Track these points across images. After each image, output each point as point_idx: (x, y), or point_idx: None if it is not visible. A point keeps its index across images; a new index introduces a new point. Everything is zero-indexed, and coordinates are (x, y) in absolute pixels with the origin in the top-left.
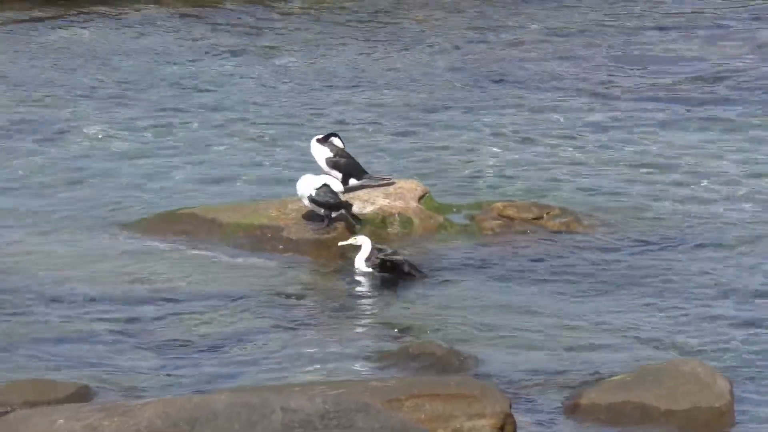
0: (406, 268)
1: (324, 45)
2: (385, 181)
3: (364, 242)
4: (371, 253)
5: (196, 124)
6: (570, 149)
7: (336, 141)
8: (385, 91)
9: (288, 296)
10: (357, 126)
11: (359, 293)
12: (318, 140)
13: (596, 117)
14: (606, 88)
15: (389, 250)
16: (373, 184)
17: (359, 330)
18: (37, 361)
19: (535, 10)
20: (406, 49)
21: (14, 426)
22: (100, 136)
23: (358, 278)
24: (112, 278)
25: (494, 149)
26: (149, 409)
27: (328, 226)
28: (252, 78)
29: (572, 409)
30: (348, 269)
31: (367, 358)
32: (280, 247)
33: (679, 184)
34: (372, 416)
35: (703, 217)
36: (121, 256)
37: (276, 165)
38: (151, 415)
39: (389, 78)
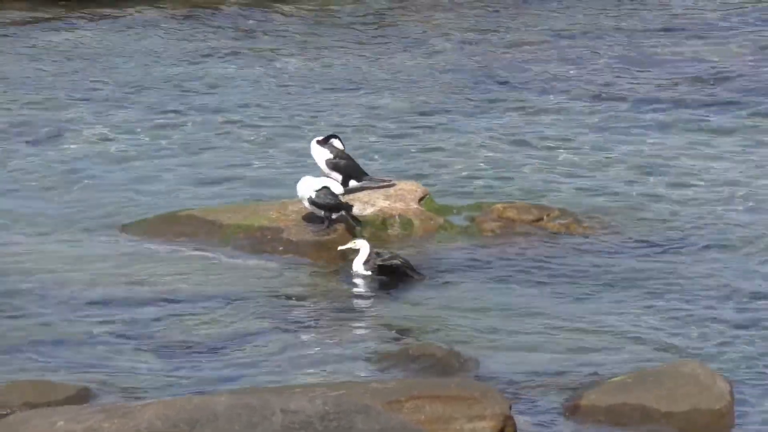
0: (405, 271)
1: (324, 47)
2: (385, 183)
3: (362, 245)
4: (369, 256)
5: (195, 126)
6: (570, 151)
7: (336, 143)
8: (385, 92)
9: (288, 298)
10: (357, 128)
11: (359, 295)
12: (318, 142)
13: (596, 119)
14: (606, 90)
15: (387, 254)
16: (373, 185)
17: (359, 331)
18: (37, 363)
19: (536, 12)
20: (407, 51)
21: (14, 428)
22: (99, 138)
23: (357, 280)
24: (112, 280)
25: (494, 151)
26: (149, 410)
27: (328, 227)
28: (252, 80)
29: (572, 411)
30: (348, 271)
31: (367, 360)
32: (280, 248)
33: (679, 185)
34: (372, 418)
35: (704, 219)
36: (121, 258)
37: (276, 167)
38: (151, 416)
39: (389, 80)
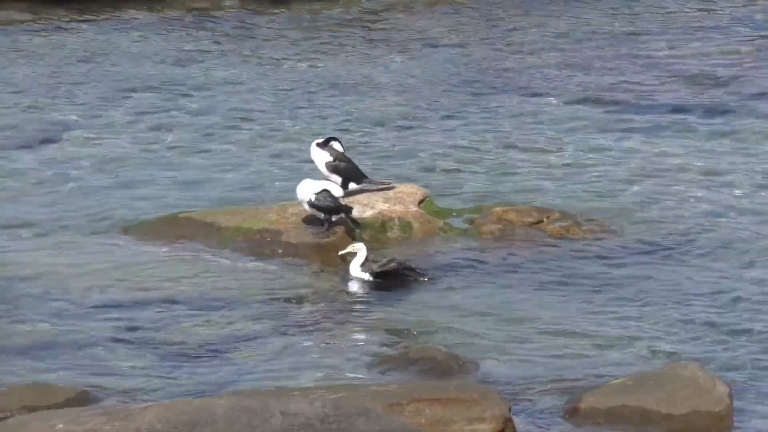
0: (403, 272)
1: (322, 50)
2: (385, 186)
3: (360, 249)
4: (367, 259)
5: (194, 129)
6: (570, 154)
7: (336, 145)
8: (385, 95)
9: (288, 300)
10: (357, 130)
11: (359, 297)
12: (318, 144)
13: (596, 121)
14: (605, 92)
15: (383, 260)
16: (372, 188)
17: (359, 334)
18: (37, 366)
19: (536, 15)
20: (406, 54)
21: (14, 430)
22: (98, 140)
23: (357, 283)
24: (111, 282)
25: (494, 154)
26: (149, 412)
27: (327, 230)
28: (249, 83)
29: (572, 413)
30: (348, 273)
31: (367, 363)
32: (280, 251)
33: (679, 188)
34: (372, 420)
35: (704, 222)
36: (120, 260)
37: (275, 169)
38: (152, 418)
39: (389, 82)
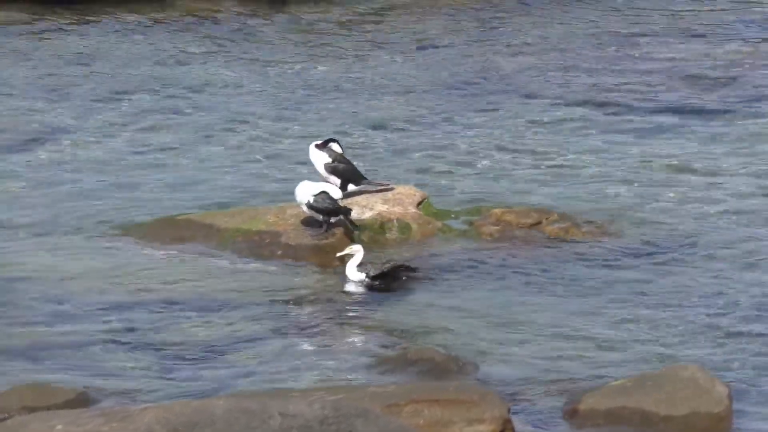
0: (398, 272)
1: (322, 52)
2: (384, 187)
3: (358, 251)
4: (363, 261)
5: (193, 130)
6: (569, 155)
7: (335, 146)
8: (384, 97)
9: (286, 302)
10: (355, 132)
11: (358, 298)
12: (317, 146)
13: (595, 123)
14: (604, 94)
15: (379, 264)
16: (371, 189)
17: (358, 335)
18: (36, 367)
19: (531, 17)
20: (405, 56)
21: (13, 431)
22: (96, 141)
23: (356, 284)
24: (111, 283)
25: (493, 155)
26: (148, 414)
27: (326, 231)
28: (249, 85)
29: (571, 415)
30: (344, 274)
31: (365, 364)
32: (279, 252)
33: (679, 190)
34: (371, 421)
35: (703, 223)
36: (120, 262)
37: (274, 171)
38: (150, 420)
39: (388, 84)
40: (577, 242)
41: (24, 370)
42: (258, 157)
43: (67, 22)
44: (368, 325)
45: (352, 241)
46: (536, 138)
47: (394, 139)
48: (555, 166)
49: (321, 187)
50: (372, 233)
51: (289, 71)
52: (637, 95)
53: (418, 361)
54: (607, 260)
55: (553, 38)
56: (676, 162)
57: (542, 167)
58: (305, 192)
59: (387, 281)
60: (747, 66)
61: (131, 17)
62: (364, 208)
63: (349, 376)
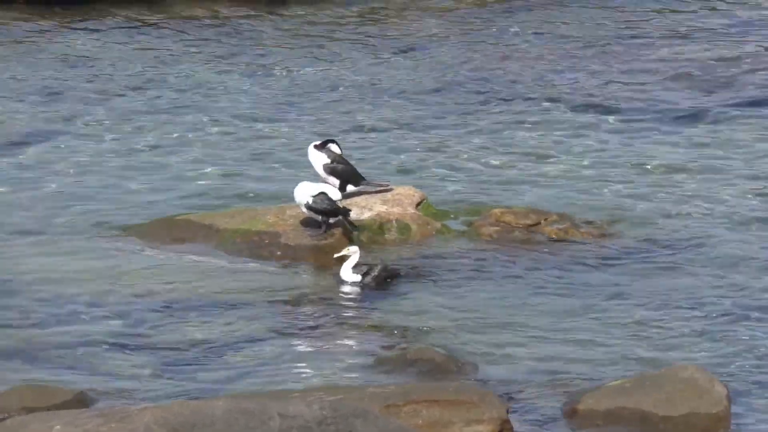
0: (391, 275)
1: (320, 53)
2: (383, 188)
3: (355, 252)
4: (358, 263)
5: (192, 131)
6: (567, 156)
7: (333, 147)
8: (383, 98)
9: (286, 302)
10: (354, 132)
11: (357, 299)
12: (315, 146)
13: (593, 125)
14: (603, 95)
15: (373, 265)
16: (370, 190)
17: (357, 336)
18: (35, 367)
19: (534, 19)
20: (403, 57)
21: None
22: (94, 142)
23: (348, 286)
24: (109, 284)
25: (492, 155)
26: (147, 414)
27: (325, 232)
28: (248, 85)
29: (570, 415)
30: (339, 275)
31: (365, 364)
32: (278, 253)
33: (678, 192)
34: (370, 422)
35: (703, 224)
36: (118, 262)
37: (273, 171)
38: (149, 420)
39: (387, 85)
40: (576, 243)
41: (23, 370)
42: (257, 157)
43: (62, 23)
44: (367, 326)
45: (351, 241)
46: (535, 139)
47: (393, 139)
48: (554, 166)
49: (320, 187)
50: (371, 234)
51: (287, 72)
52: (635, 96)
53: (417, 361)
54: (606, 261)
55: (551, 39)
56: (675, 163)
57: (541, 168)
58: (304, 193)
59: (382, 283)
60: (747, 66)
61: (126, 18)
62: (363, 209)
63: (348, 377)
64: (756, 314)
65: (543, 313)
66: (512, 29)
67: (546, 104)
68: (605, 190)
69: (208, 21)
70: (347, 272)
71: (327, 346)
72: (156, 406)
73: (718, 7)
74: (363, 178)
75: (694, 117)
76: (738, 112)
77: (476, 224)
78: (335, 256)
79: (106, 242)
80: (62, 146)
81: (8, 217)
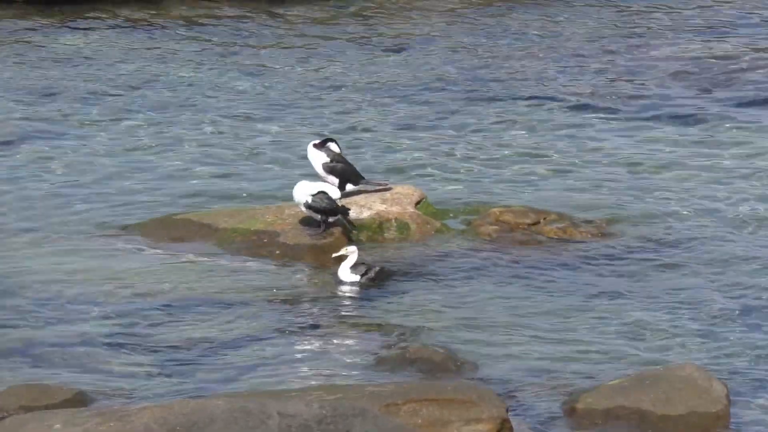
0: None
1: (320, 52)
2: (382, 187)
3: (353, 252)
4: (357, 263)
5: (189, 130)
6: (567, 155)
7: (333, 146)
8: (382, 97)
9: (285, 301)
10: (353, 131)
11: (356, 298)
12: (315, 145)
13: (593, 123)
14: (604, 94)
15: (368, 266)
16: (369, 189)
17: (356, 335)
18: (34, 366)
19: (534, 18)
20: (403, 56)
21: (11, 431)
22: (94, 141)
23: (346, 286)
24: (109, 283)
25: (491, 155)
26: (146, 414)
27: (324, 231)
28: (249, 84)
29: (569, 414)
30: (337, 276)
31: (364, 363)
32: (277, 252)
33: (677, 190)
34: (369, 421)
35: (702, 223)
36: (117, 261)
37: (273, 170)
38: (148, 420)
39: (386, 84)
40: (576, 242)
41: (21, 369)
42: (256, 156)
43: (62, 22)
44: (367, 325)
45: (351, 240)
46: (534, 137)
47: (392, 138)
48: (553, 166)
49: (319, 186)
50: (370, 233)
51: (286, 71)
52: (634, 94)
53: (417, 360)
54: (605, 260)
55: (549, 37)
56: (674, 161)
57: (540, 167)
58: (303, 192)
59: (380, 282)
60: (747, 66)
61: (123, 18)
62: (362, 208)
63: (347, 376)
64: (755, 313)
65: (542, 312)
66: (511, 28)
67: (545, 103)
68: (604, 189)
69: (205, 20)
70: (345, 272)
71: (326, 345)
72: (155, 405)
73: (717, 6)
74: (362, 177)
75: (693, 116)
76: (738, 111)
77: (475, 223)
78: (333, 256)
79: (104, 241)
80: (60, 145)
81: (6, 217)
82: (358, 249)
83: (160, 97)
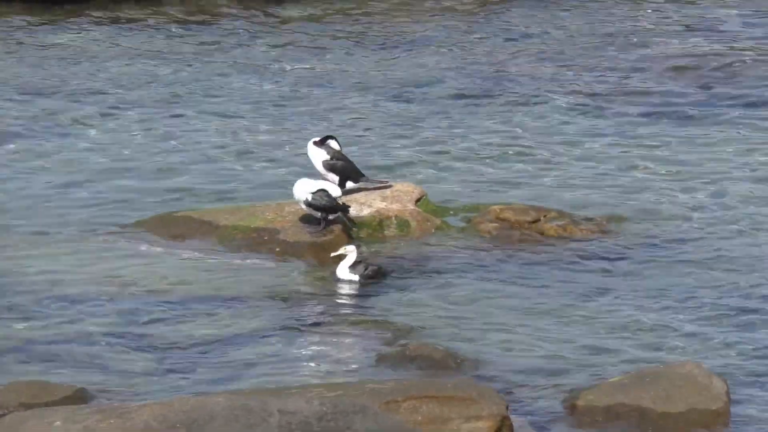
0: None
1: (321, 50)
2: (382, 184)
3: (351, 251)
4: (356, 261)
5: (191, 128)
6: (567, 153)
7: (333, 144)
8: (383, 94)
9: (284, 299)
10: (354, 129)
11: (356, 296)
12: (315, 143)
13: (595, 122)
14: (604, 93)
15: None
16: (369, 186)
17: (356, 332)
18: (34, 364)
19: (535, 15)
20: (404, 54)
21: (11, 428)
22: (94, 139)
23: (347, 284)
24: (109, 281)
25: (491, 153)
26: (146, 411)
27: (324, 229)
28: (250, 82)
29: (569, 411)
30: (335, 275)
31: (364, 361)
32: (277, 249)
33: (675, 187)
34: (369, 418)
35: (701, 221)
36: (117, 259)
37: (273, 168)
38: (148, 417)
39: (386, 82)
40: (576, 240)
41: (22, 366)
42: (256, 154)
43: (58, 22)
44: (367, 322)
45: (351, 238)
46: (534, 135)
47: (392, 135)
48: (553, 163)
49: (319, 184)
50: (370, 230)
51: (287, 69)
52: (634, 93)
53: (417, 357)
54: (605, 258)
55: (548, 36)
56: (675, 160)
57: (540, 164)
58: (303, 189)
59: (378, 281)
60: (747, 65)
61: (121, 16)
62: (362, 205)
63: (347, 373)
64: (755, 311)
65: (542, 309)
66: (508, 26)
67: (545, 101)
68: (605, 187)
69: (202, 19)
70: (344, 271)
71: (326, 343)
72: (155, 403)
73: (718, 6)
74: (362, 175)
75: (694, 114)
76: (738, 110)
77: (475, 221)
78: (332, 255)
79: (105, 238)
80: (59, 144)
81: (6, 215)
82: (359, 246)
83: (158, 95)
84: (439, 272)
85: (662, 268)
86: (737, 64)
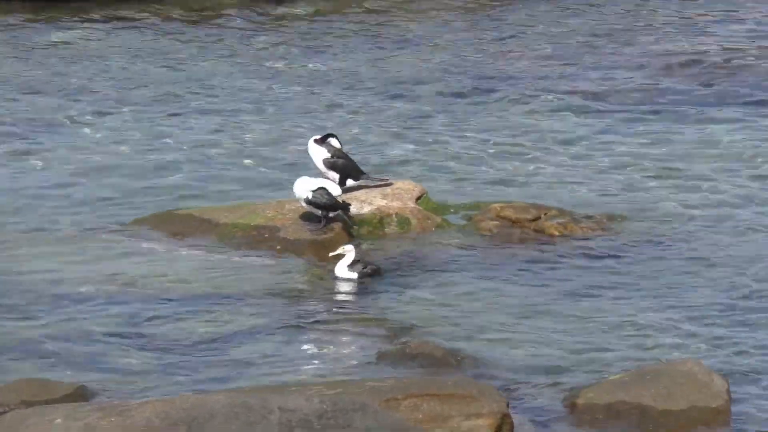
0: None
1: (322, 49)
2: (383, 182)
3: (350, 251)
4: (354, 260)
5: (191, 126)
6: (567, 152)
7: (333, 142)
8: (383, 93)
9: (285, 296)
10: (354, 127)
11: (356, 293)
12: (315, 141)
13: (595, 120)
14: (604, 91)
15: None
16: (370, 184)
17: (356, 330)
18: (35, 361)
19: (536, 15)
20: (404, 53)
21: (12, 426)
22: (94, 137)
23: (346, 283)
24: (109, 278)
25: (492, 150)
26: (147, 408)
27: (324, 227)
28: (250, 81)
29: (570, 409)
30: (334, 274)
31: (364, 358)
32: (277, 247)
33: (675, 186)
34: (369, 416)
35: (701, 219)
36: (118, 256)
37: (273, 166)
38: (149, 414)
39: (387, 80)
40: (576, 238)
41: (22, 364)
42: (256, 152)
43: (56, 20)
44: (367, 320)
45: (351, 236)
46: (535, 135)
47: (392, 134)
48: (553, 162)
49: (320, 182)
50: (371, 228)
51: (288, 68)
52: (635, 93)
53: (417, 355)
54: (605, 255)
55: (548, 35)
56: (674, 158)
57: (541, 163)
58: (304, 187)
59: (376, 279)
60: (747, 65)
61: (121, 15)
62: (363, 203)
63: (347, 371)
64: (755, 309)
65: (543, 307)
66: (510, 25)
67: (545, 100)
68: (605, 185)
69: (203, 17)
70: (343, 270)
71: (327, 341)
72: (156, 400)
73: (718, 5)
74: (363, 173)
75: (693, 114)
76: (737, 109)
77: (476, 219)
78: (330, 255)
79: (105, 236)
80: (59, 143)
81: (5, 215)
82: (359, 244)
83: (157, 93)
84: (439, 270)
85: (663, 266)
86: (737, 62)
